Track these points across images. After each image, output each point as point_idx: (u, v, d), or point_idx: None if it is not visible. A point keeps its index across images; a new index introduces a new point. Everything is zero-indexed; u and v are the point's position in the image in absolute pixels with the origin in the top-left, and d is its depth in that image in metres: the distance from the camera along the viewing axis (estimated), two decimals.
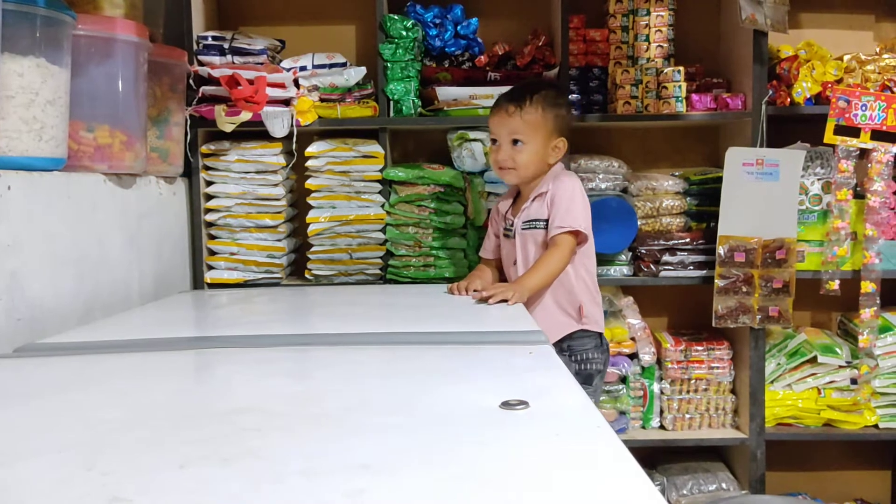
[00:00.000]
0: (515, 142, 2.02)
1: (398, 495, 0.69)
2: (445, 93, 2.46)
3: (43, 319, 1.59)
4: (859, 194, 2.46)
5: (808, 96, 2.44)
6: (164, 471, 0.75)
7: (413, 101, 2.46)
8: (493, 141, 2.07)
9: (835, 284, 2.45)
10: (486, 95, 2.45)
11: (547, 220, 2.00)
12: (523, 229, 2.05)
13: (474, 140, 2.45)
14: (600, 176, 2.52)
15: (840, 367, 2.52)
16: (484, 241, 2.27)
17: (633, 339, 2.57)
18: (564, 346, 2.04)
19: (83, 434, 0.88)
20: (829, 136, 2.41)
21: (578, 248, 2.01)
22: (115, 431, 0.89)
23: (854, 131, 2.39)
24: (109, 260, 1.91)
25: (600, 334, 2.08)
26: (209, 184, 2.47)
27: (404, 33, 2.44)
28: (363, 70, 2.46)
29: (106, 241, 1.89)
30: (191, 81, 2.40)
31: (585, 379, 2.04)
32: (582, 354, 2.04)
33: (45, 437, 0.88)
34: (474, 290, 1.92)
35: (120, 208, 1.97)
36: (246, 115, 2.34)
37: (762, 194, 2.39)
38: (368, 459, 0.78)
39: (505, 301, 1.79)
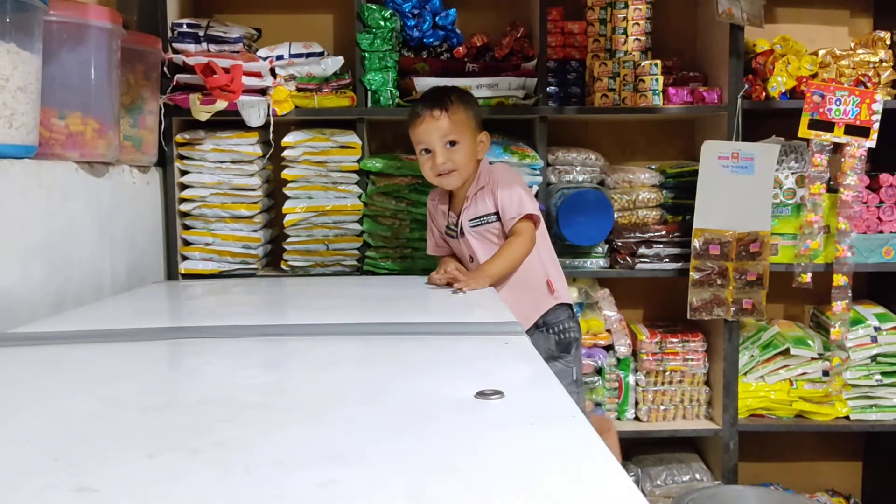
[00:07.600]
0: (450, 144, 2.02)
1: (370, 486, 0.69)
2: (423, 83, 2.44)
3: (13, 309, 1.57)
4: (832, 188, 2.49)
5: (783, 91, 2.46)
6: (132, 461, 0.74)
7: (391, 91, 2.45)
8: (425, 151, 2.04)
9: (807, 277, 2.47)
10: (464, 87, 2.43)
11: (496, 213, 2.03)
12: (473, 227, 2.06)
13: None
14: (577, 168, 2.53)
15: (812, 359, 2.55)
16: (428, 240, 2.26)
17: (608, 331, 2.59)
18: (540, 322, 2.08)
19: (51, 424, 0.87)
20: (803, 131, 2.43)
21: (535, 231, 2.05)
22: (84, 421, 0.88)
23: (828, 126, 2.42)
24: (81, 249, 1.88)
25: (570, 305, 2.14)
26: (184, 173, 2.44)
27: (382, 23, 2.42)
28: (340, 60, 2.45)
29: (78, 231, 1.87)
30: (165, 69, 2.37)
31: (565, 348, 2.10)
32: (558, 326, 2.09)
33: (12, 427, 0.87)
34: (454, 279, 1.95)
35: (92, 197, 1.94)
36: (221, 104, 2.31)
37: (737, 188, 2.41)
38: (341, 450, 0.77)
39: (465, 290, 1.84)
